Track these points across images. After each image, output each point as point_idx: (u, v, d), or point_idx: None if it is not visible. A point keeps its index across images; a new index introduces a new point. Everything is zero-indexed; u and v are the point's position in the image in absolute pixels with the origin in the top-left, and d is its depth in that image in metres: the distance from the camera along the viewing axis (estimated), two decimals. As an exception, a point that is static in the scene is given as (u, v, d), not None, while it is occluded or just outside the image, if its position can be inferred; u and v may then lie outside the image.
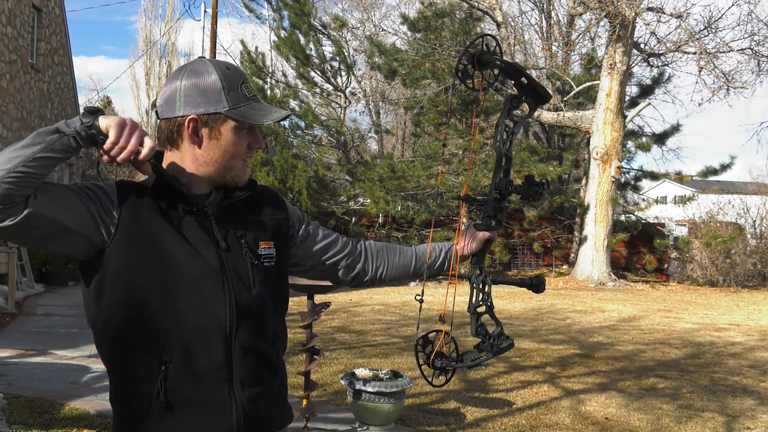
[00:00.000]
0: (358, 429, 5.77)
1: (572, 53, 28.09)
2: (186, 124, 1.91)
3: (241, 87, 1.92)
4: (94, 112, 1.74)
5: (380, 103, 34.08)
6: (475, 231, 1.61)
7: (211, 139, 1.92)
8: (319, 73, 26.72)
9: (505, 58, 1.54)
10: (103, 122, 1.73)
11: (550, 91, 26.47)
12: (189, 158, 1.95)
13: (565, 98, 25.47)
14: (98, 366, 7.95)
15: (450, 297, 1.57)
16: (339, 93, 27.96)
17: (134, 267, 1.83)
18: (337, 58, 26.78)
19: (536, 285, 1.85)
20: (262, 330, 1.98)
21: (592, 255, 22.39)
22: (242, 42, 26.56)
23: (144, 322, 1.83)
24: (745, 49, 22.29)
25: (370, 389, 5.59)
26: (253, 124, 1.92)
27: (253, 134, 1.96)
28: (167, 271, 1.84)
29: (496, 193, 1.58)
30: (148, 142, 1.77)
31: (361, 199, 25.16)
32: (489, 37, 1.52)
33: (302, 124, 26.07)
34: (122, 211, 1.84)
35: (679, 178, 27.83)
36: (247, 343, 1.93)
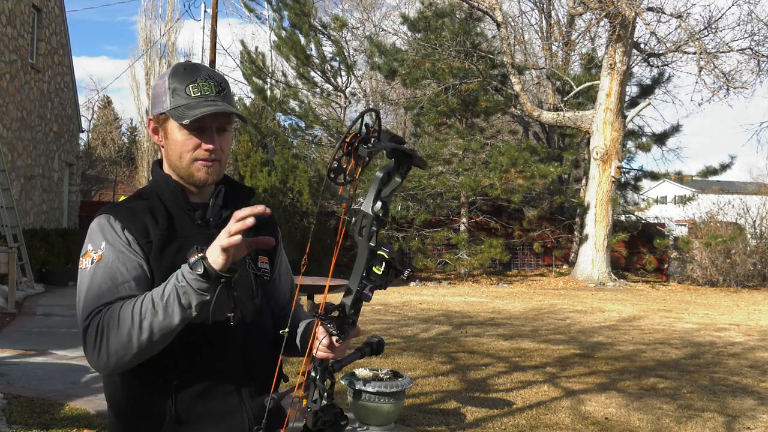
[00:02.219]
0: (358, 429, 5.77)
1: (572, 53, 28.14)
2: (148, 124, 2.00)
3: (189, 87, 1.90)
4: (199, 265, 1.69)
5: (380, 103, 34.08)
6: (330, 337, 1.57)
7: (165, 139, 1.96)
8: (319, 73, 26.72)
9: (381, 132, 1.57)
10: (214, 258, 1.68)
11: (550, 92, 26.44)
12: (164, 162, 2.01)
13: (565, 98, 25.48)
14: (98, 366, 7.94)
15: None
16: (339, 93, 27.96)
17: (157, 268, 1.86)
18: (337, 58, 26.78)
19: (377, 349, 1.87)
20: (265, 339, 2.03)
21: (592, 255, 22.39)
22: (242, 42, 26.58)
23: None
24: (745, 49, 22.29)
25: (370, 389, 5.59)
26: (203, 122, 1.89)
27: (204, 133, 1.93)
28: None
29: (351, 310, 1.56)
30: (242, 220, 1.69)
31: (361, 199, 25.17)
32: (370, 113, 1.54)
33: (302, 124, 26.09)
34: (137, 238, 1.86)
35: (679, 178, 27.93)
36: (254, 353, 1.96)
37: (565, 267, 25.36)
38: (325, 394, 1.61)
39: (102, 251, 1.83)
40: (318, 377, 1.61)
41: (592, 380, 8.05)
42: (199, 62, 2.06)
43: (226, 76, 1.99)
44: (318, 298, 6.36)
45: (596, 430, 6.10)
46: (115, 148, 44.25)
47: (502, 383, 7.78)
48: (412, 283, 20.46)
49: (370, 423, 5.79)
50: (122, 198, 2.03)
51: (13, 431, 5.50)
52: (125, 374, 1.84)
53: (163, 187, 1.97)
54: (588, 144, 23.86)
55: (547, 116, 23.99)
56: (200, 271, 1.65)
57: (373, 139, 1.58)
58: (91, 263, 1.81)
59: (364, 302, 1.63)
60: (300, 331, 2.03)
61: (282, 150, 22.69)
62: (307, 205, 21.59)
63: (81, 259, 1.85)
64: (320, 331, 1.67)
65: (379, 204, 1.60)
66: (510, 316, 13.86)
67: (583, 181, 25.77)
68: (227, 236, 1.64)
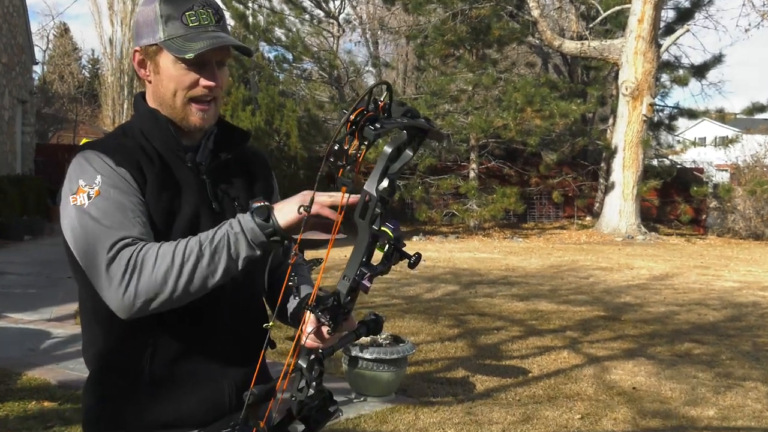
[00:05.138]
0: (354, 400, 5.82)
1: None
2: (132, 57, 1.97)
3: (185, 15, 1.88)
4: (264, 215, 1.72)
5: (378, 32, 33.75)
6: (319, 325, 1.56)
7: (156, 74, 1.94)
8: (308, -5, 26.44)
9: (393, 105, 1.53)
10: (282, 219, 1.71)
11: (573, 18, 26.13)
12: (149, 97, 1.99)
13: (591, 25, 25.23)
14: (60, 330, 7.99)
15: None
16: (331, 20, 27.65)
17: (153, 212, 1.86)
18: (329, -21, 26.48)
19: (374, 329, 1.86)
20: (255, 300, 2.06)
21: (619, 205, 22.40)
22: (219, -40, 26.18)
23: None
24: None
25: (367, 356, 5.62)
26: (204, 56, 1.87)
27: (204, 68, 1.91)
28: (172, 227, 1.87)
29: (347, 298, 1.54)
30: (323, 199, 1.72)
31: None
32: (382, 85, 1.51)
33: (290, 56, 25.84)
34: (134, 175, 1.86)
35: (721, 116, 27.72)
36: (243, 313, 1.99)
37: (588, 219, 25.40)
38: (313, 383, 1.60)
39: (98, 185, 1.80)
40: (306, 366, 1.60)
41: (619, 346, 8.10)
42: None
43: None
44: (308, 254, 6.35)
45: (623, 401, 6.15)
46: (74, 84, 43.96)
47: (517, 349, 7.83)
48: (415, 238, 20.50)
49: (367, 393, 5.83)
50: (84, 141, 2.01)
51: (-36, 404, 5.53)
52: (106, 325, 1.86)
53: (150, 125, 1.96)
54: (616, 78, 23.68)
55: (570, 46, 23.76)
56: (263, 217, 1.69)
57: (382, 118, 1.54)
58: (88, 199, 1.79)
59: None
60: (295, 302, 2.03)
61: (267, 86, 22.53)
62: (296, 150, 21.51)
63: (71, 197, 1.81)
64: (310, 318, 1.67)
65: (385, 182, 1.58)
66: (525, 274, 13.91)
67: (610, 121, 25.66)
68: (317, 199, 1.67)
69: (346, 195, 1.58)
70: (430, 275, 13.05)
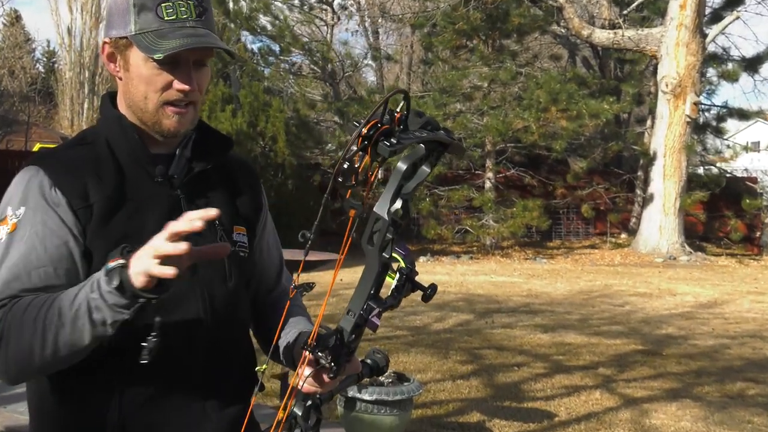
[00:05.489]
0: (352, 449, 5.79)
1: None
2: (102, 48, 1.98)
3: (161, 6, 1.88)
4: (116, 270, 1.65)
5: (379, 20, 33.85)
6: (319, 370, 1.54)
7: (126, 71, 1.94)
8: (298, -22, 26.57)
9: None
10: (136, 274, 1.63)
11: (605, 3, 26.21)
12: (120, 97, 2.00)
13: (625, 11, 25.31)
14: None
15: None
16: (325, 6, 27.78)
17: (98, 241, 1.85)
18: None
19: (378, 370, 1.86)
20: (241, 331, 2.07)
21: (659, 220, 22.39)
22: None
23: None
24: None
25: (366, 397, 5.60)
26: (178, 55, 1.87)
27: (179, 68, 1.91)
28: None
29: (350, 336, 1.53)
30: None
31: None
32: (399, 94, 1.50)
33: (276, 47, 25.89)
34: (71, 201, 1.85)
35: (777, 117, 27.73)
36: (224, 351, 1.99)
37: (623, 236, 25.39)
38: None
39: (18, 219, 1.82)
40: (301, 414, 1.59)
41: (660, 385, 8.07)
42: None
43: None
44: (300, 278, 6.32)
45: (665, 451, 6.12)
46: (26, 80, 44.12)
47: (541, 389, 7.80)
48: (422, 258, 20.50)
49: (366, 441, 5.80)
50: (38, 146, 2.01)
51: None
52: (54, 375, 1.84)
53: (115, 132, 1.96)
54: (655, 73, 23.72)
55: (601, 36, 23.81)
56: (115, 284, 1.62)
57: (398, 132, 1.53)
58: (6, 234, 1.82)
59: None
60: (289, 338, 2.01)
61: (250, 82, 22.57)
62: (283, 156, 21.53)
63: None
64: (308, 359, 1.64)
65: (398, 203, 1.57)
66: (551, 301, 13.89)
67: (648, 123, 25.70)
68: (163, 241, 1.59)
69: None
70: (440, 302, 13.03)
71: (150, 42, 1.85)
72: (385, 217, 1.55)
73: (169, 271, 1.56)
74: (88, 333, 1.67)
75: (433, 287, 1.65)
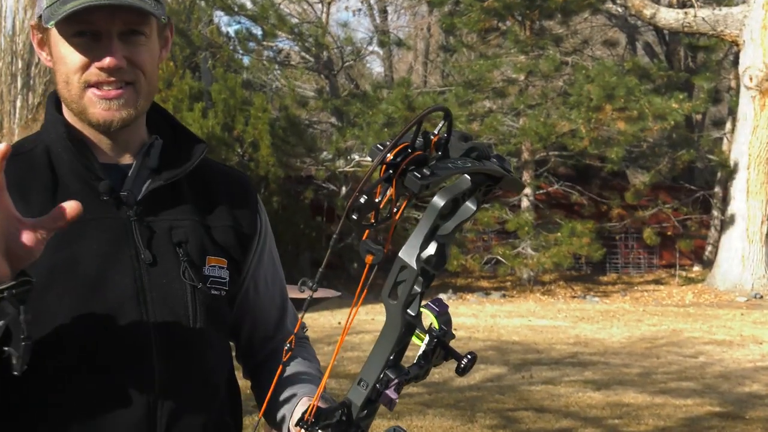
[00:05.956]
0: None
1: None
2: (32, 35, 2.02)
3: None
4: None
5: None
6: None
7: (51, 56, 1.97)
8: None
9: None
10: None
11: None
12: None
13: (699, -14, 25.30)
14: None
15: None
16: (319, -21, 27.88)
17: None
18: None
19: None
20: (207, 391, 2.03)
21: (742, 249, 22.34)
22: None
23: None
24: None
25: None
26: (91, 24, 1.88)
27: (99, 43, 1.91)
28: (52, 298, 1.84)
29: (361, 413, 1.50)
30: None
31: (356, 156, 25.14)
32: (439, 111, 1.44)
33: (258, 31, 26.00)
34: None
35: None
36: (184, 412, 1.95)
37: (696, 269, 25.35)
38: None
39: None
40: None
41: (744, 457, 8.04)
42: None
43: None
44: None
45: None
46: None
47: (593, 462, 7.78)
48: (442, 295, 20.43)
49: None
50: None
51: None
52: None
53: (53, 138, 1.98)
54: (735, 63, 23.74)
55: (668, 16, 23.84)
56: None
57: (434, 159, 1.47)
58: None
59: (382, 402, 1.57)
60: (295, 409, 1.99)
61: (225, 74, 22.64)
62: (267, 167, 21.56)
63: None
64: None
65: (431, 248, 1.50)
66: (604, 350, 13.86)
67: (728, 126, 25.71)
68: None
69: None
70: (465, 350, 12.98)
71: (52, 12, 1.85)
72: (413, 265, 1.49)
73: None
74: None
75: (472, 357, 1.62)
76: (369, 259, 1.43)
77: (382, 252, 1.44)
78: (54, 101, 2.02)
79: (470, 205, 1.54)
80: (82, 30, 1.87)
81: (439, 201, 1.48)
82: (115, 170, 1.97)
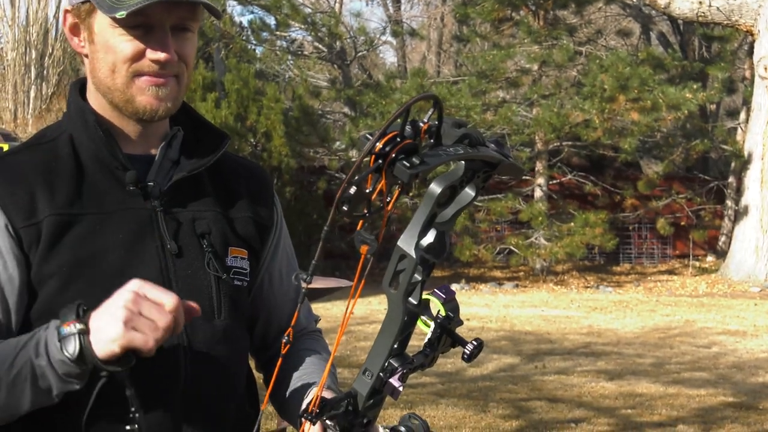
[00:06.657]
0: None
1: None
2: (63, 19, 1.98)
3: None
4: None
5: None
6: None
7: (91, 44, 1.95)
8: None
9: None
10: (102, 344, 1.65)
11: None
12: (89, 82, 2.01)
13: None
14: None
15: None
16: (332, -32, 27.84)
17: (47, 267, 1.85)
18: None
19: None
20: (230, 383, 2.04)
21: (756, 239, 22.28)
22: None
23: None
24: None
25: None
26: (150, 17, 1.89)
27: (153, 34, 1.91)
28: (79, 289, 1.85)
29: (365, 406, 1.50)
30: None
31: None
32: (429, 99, 1.42)
33: (272, 21, 25.98)
34: (12, 219, 1.85)
35: None
36: (208, 404, 1.97)
37: (710, 259, 25.28)
38: None
39: None
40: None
41: (756, 447, 8.03)
42: None
43: None
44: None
45: None
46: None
47: (606, 451, 7.79)
48: (455, 285, 20.46)
49: None
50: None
51: None
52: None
53: (78, 127, 1.96)
54: (750, 53, 23.65)
55: (682, 6, 23.77)
56: (71, 352, 1.63)
57: (425, 147, 1.46)
58: None
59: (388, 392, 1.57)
60: (298, 396, 2.01)
61: (238, 64, 22.62)
62: (280, 157, 21.55)
63: None
64: (312, 430, 1.62)
65: (431, 236, 1.51)
66: (617, 340, 13.85)
67: (742, 116, 25.62)
68: (157, 308, 1.63)
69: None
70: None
71: (113, 1, 1.84)
72: (412, 254, 1.48)
73: (152, 343, 1.59)
74: (28, 401, 1.69)
75: (478, 344, 1.59)
76: (364, 249, 1.43)
77: (377, 242, 1.43)
78: (77, 90, 2.01)
79: (469, 191, 1.55)
80: (138, 22, 1.87)
81: (435, 188, 1.48)
82: (137, 161, 1.96)
